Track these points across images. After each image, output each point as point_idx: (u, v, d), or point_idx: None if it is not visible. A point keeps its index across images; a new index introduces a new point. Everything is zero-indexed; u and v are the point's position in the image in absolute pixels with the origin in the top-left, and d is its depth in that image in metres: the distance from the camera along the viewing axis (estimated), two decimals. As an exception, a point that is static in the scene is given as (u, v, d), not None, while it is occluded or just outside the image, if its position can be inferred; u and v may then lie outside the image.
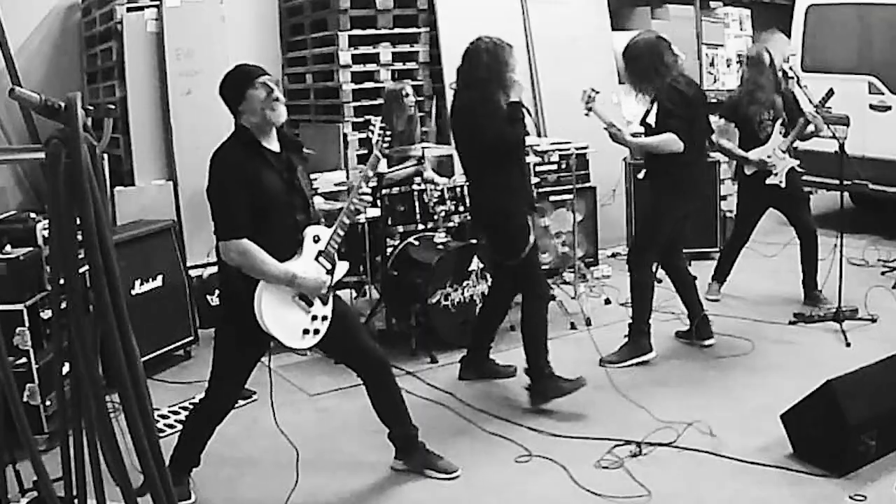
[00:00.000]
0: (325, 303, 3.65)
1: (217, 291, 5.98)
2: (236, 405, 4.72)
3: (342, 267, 3.72)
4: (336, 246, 3.66)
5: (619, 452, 4.03)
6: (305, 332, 3.59)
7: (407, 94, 6.16)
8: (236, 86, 3.49)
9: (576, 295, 6.23)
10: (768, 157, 5.89)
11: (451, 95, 5.13)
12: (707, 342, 5.39)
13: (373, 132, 4.08)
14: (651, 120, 5.03)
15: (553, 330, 5.53)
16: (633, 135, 5.23)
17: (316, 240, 3.61)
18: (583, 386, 4.56)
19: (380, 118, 6.75)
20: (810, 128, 5.81)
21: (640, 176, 5.19)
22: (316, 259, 3.61)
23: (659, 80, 4.90)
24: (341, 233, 3.68)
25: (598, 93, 5.11)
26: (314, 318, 3.61)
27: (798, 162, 5.94)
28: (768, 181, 5.92)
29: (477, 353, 5.05)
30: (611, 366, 5.03)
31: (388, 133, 4.10)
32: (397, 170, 5.99)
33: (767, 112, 5.91)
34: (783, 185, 5.91)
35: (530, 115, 4.77)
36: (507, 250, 4.65)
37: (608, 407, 4.56)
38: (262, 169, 3.46)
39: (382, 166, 6.04)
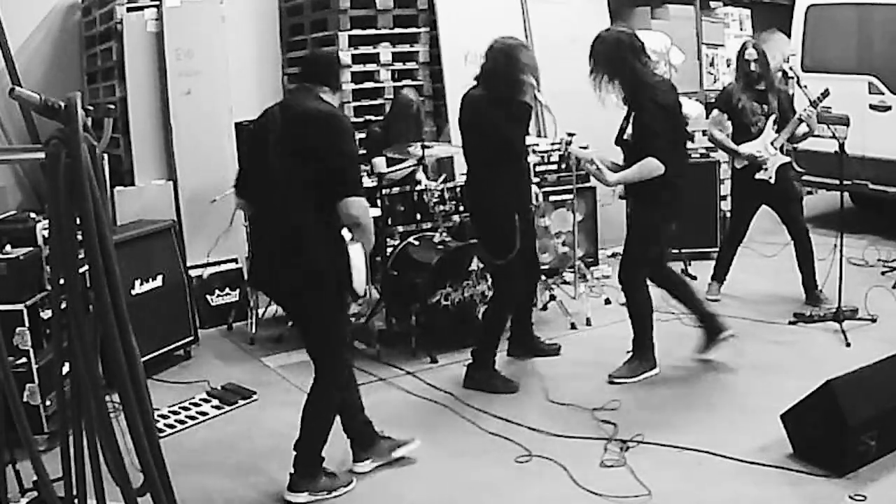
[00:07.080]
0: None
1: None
2: (237, 405, 4.74)
3: None
4: None
5: (618, 448, 4.04)
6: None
7: (418, 109, 6.35)
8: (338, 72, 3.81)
9: (576, 295, 6.24)
10: (758, 151, 5.88)
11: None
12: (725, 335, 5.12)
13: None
14: (628, 135, 4.76)
15: (553, 330, 5.56)
16: (614, 165, 4.91)
17: None
18: (515, 391, 4.78)
19: (381, 117, 6.79)
20: (803, 128, 5.80)
21: (621, 192, 5.01)
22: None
23: (628, 75, 4.62)
24: None
25: (573, 135, 5.56)
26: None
27: (789, 159, 5.94)
28: (757, 176, 5.90)
29: (519, 330, 5.26)
30: (622, 381, 4.85)
31: None
32: (397, 169, 6.00)
33: (761, 106, 5.90)
34: (772, 181, 5.90)
35: (549, 111, 5.11)
36: (491, 249, 4.83)
37: (607, 407, 4.55)
38: None
39: (382, 166, 6.06)
